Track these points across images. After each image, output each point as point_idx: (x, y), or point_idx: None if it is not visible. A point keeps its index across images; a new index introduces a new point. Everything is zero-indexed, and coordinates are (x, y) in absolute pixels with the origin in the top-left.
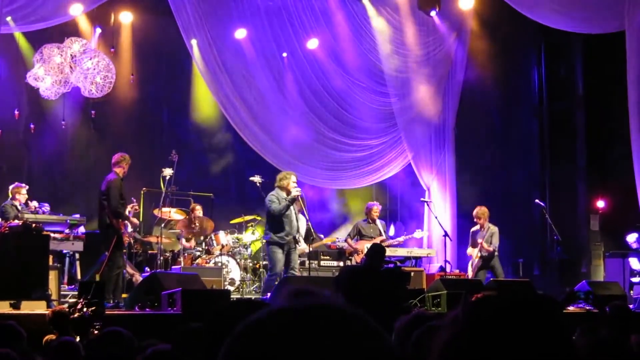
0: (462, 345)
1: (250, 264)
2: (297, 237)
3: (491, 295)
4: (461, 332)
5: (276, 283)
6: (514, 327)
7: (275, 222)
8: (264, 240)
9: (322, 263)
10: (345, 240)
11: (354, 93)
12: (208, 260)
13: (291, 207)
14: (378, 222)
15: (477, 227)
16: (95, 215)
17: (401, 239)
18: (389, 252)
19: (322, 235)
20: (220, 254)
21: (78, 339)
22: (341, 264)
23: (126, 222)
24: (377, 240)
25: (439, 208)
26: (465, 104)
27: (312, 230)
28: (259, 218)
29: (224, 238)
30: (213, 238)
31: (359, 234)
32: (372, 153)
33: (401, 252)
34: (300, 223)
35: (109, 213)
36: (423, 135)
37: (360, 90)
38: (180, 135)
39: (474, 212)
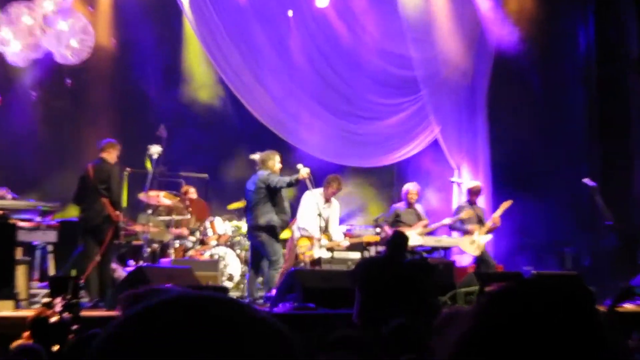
0: (476, 342)
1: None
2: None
3: (513, 286)
4: (476, 328)
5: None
6: (534, 327)
7: (273, 202)
8: (261, 223)
9: (335, 254)
10: (378, 227)
11: (371, 58)
12: (202, 252)
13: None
14: (417, 205)
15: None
16: (69, 201)
17: (447, 220)
18: (414, 241)
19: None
20: (217, 245)
21: (57, 347)
22: (358, 255)
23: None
24: (419, 225)
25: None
26: (499, 68)
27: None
28: None
29: (221, 226)
30: (208, 226)
31: (396, 221)
32: (393, 125)
33: (428, 241)
34: (308, 213)
35: (109, 204)
36: (451, 105)
37: (379, 54)
38: (170, 108)
39: (474, 187)
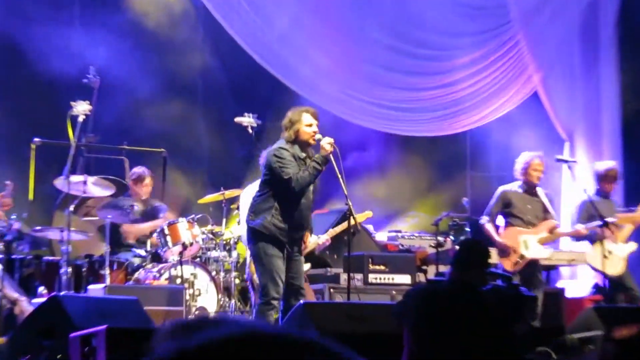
0: None
1: (237, 280)
2: (308, 231)
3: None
4: None
5: (275, 315)
6: None
7: (277, 202)
8: (250, 227)
9: (370, 277)
10: (480, 225)
11: None
12: (157, 274)
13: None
14: (540, 191)
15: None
16: None
17: (580, 226)
18: (535, 253)
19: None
20: (180, 262)
21: None
22: (407, 279)
23: None
24: (545, 227)
25: (587, 172)
26: None
27: (353, 213)
28: None
29: (187, 232)
30: (166, 231)
31: (508, 214)
32: (464, 73)
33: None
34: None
35: None
36: (560, 43)
37: None
38: (104, 41)
39: (609, 170)
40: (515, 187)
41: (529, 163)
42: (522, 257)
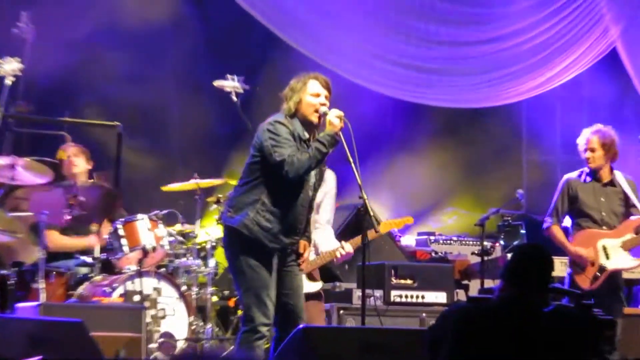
0: None
1: (215, 298)
2: (306, 235)
3: None
4: None
5: (266, 345)
6: None
7: (264, 194)
8: (227, 226)
9: (393, 295)
10: (544, 230)
11: None
12: (109, 288)
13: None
14: (619, 177)
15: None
16: None
17: None
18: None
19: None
20: (139, 273)
21: None
22: (443, 297)
23: None
24: (630, 227)
25: None
26: None
27: (370, 210)
28: (233, 183)
29: (147, 233)
30: (121, 232)
31: (575, 211)
32: (521, 29)
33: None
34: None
35: None
36: None
37: None
38: None
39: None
40: (582, 175)
41: (588, 139)
42: (602, 269)
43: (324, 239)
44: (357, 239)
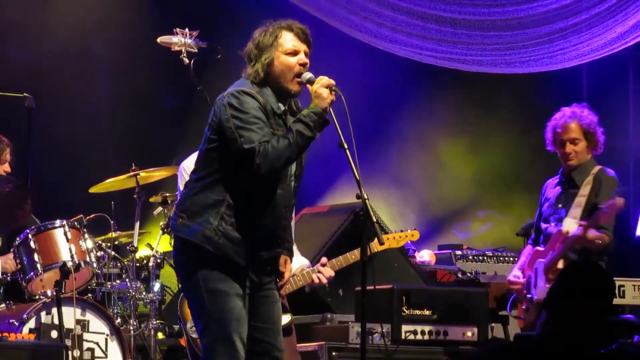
0: None
1: (161, 335)
2: (286, 246)
3: None
4: None
5: None
6: None
7: (229, 193)
8: (180, 238)
9: (405, 330)
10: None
11: None
12: (16, 321)
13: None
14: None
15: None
16: None
17: None
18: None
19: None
20: (58, 300)
21: None
22: (473, 333)
23: None
24: None
25: None
26: None
27: (372, 214)
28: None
29: (69, 246)
30: (32, 244)
31: None
32: None
33: None
34: None
35: None
36: None
37: None
38: None
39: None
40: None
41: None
42: None
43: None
44: (346, 257)
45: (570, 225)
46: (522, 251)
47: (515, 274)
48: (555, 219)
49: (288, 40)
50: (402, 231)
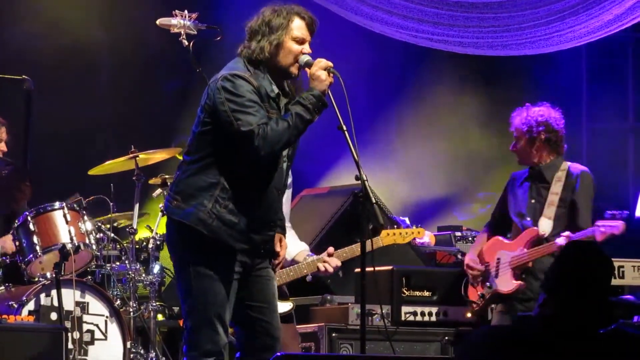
0: None
1: (161, 316)
2: (279, 225)
3: None
4: None
5: None
6: None
7: (224, 176)
8: (174, 221)
9: (405, 312)
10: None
11: None
12: (15, 303)
13: None
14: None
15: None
16: None
17: None
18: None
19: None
20: (57, 282)
21: None
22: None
23: None
24: None
25: None
26: None
27: (372, 195)
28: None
29: (68, 228)
30: (31, 226)
31: None
32: None
33: None
34: None
35: None
36: None
37: None
38: None
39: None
40: None
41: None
42: None
43: (289, 242)
44: (352, 249)
45: (546, 226)
46: (479, 235)
47: (474, 258)
48: (531, 215)
49: (298, 27)
50: (408, 227)
